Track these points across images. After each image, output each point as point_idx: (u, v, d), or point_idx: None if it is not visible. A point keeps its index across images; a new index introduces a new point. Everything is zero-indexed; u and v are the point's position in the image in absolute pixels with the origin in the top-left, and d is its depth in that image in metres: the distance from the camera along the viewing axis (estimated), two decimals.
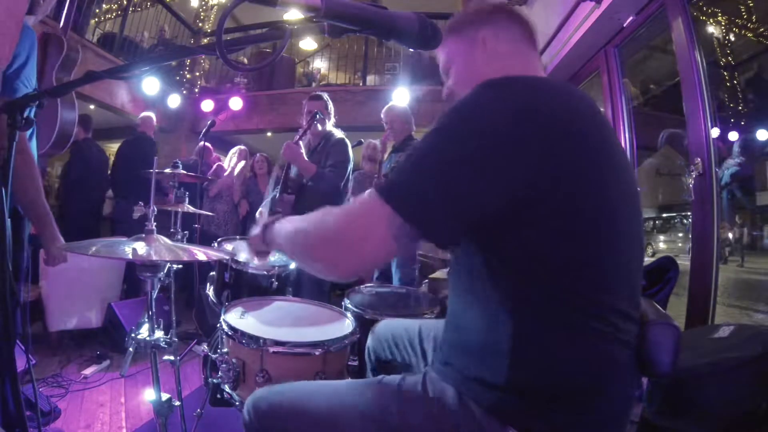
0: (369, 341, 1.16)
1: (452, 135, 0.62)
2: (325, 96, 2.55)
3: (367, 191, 0.65)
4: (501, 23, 0.83)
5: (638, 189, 0.75)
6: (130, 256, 0.96)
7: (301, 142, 2.36)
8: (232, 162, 4.06)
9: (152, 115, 4.04)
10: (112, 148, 4.85)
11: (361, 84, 6.48)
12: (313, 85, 7.48)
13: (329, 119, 2.53)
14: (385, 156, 3.00)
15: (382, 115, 2.81)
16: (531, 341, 0.63)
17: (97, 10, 5.64)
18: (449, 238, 0.66)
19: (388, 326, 1.14)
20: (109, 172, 4.02)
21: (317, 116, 2.35)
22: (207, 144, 3.37)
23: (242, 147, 4.19)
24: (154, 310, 1.16)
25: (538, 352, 0.63)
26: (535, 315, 0.63)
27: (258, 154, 4.32)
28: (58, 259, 1.43)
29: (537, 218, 0.61)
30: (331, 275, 0.67)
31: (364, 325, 1.30)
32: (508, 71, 0.72)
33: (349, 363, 1.25)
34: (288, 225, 0.79)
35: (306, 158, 2.36)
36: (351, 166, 2.47)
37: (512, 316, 0.63)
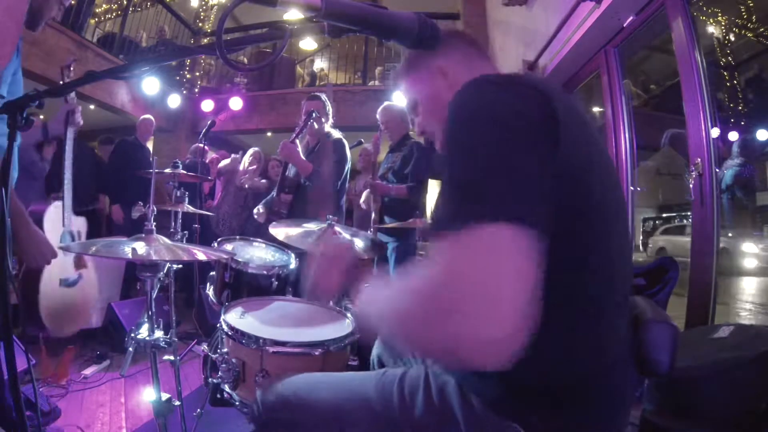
0: (375, 348, 1.15)
1: (483, 137, 0.54)
2: (324, 96, 2.55)
3: (446, 237, 0.49)
4: (450, 48, 0.85)
5: (621, 182, 0.75)
6: (130, 256, 0.96)
7: (297, 141, 2.37)
8: (245, 164, 4.03)
9: (151, 118, 4.01)
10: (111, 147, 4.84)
11: (361, 84, 6.48)
12: (318, 84, 7.47)
13: (327, 120, 2.53)
14: (381, 157, 3.01)
15: (377, 116, 2.81)
16: (533, 337, 0.63)
17: (97, 10, 5.64)
18: (551, 221, 0.52)
19: None
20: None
21: (313, 115, 2.36)
22: (200, 145, 3.36)
23: (256, 149, 4.14)
24: (153, 310, 1.16)
25: (536, 346, 0.63)
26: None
27: (272, 159, 4.30)
28: (38, 259, 1.34)
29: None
30: (478, 356, 0.46)
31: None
32: None
33: (349, 363, 1.24)
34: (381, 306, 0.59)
35: (303, 157, 2.37)
36: (348, 166, 2.47)
37: None
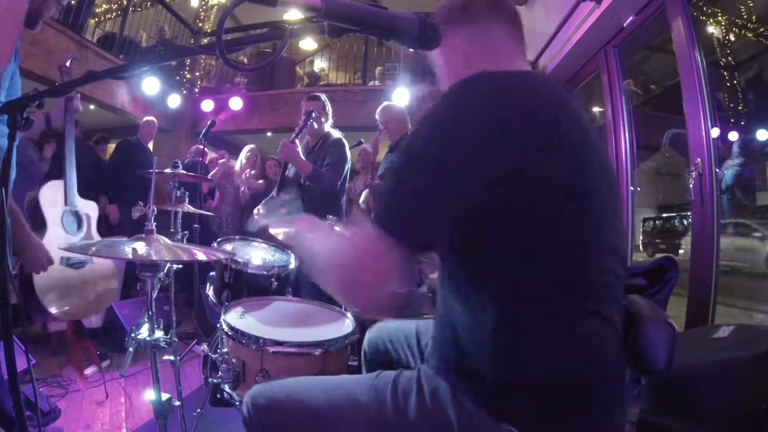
0: (365, 342, 1.16)
1: (427, 143, 0.65)
2: (323, 96, 2.55)
3: (365, 225, 0.67)
4: (476, 20, 0.81)
5: (615, 184, 0.76)
6: (130, 256, 0.96)
7: (297, 141, 2.37)
8: (242, 162, 4.02)
9: (154, 120, 4.00)
10: (112, 147, 4.85)
11: (361, 84, 6.48)
12: (319, 83, 7.48)
13: (327, 120, 2.53)
14: (380, 156, 3.01)
15: (376, 115, 2.81)
16: (521, 337, 0.64)
17: (97, 10, 5.64)
18: (430, 244, 0.70)
19: (384, 327, 1.14)
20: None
21: (313, 115, 2.36)
22: (200, 146, 3.36)
23: (252, 146, 4.11)
24: (154, 310, 1.16)
25: (529, 348, 0.64)
26: (524, 311, 0.64)
27: (270, 159, 4.29)
28: (32, 265, 1.31)
29: (520, 213, 0.62)
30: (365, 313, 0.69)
31: (364, 325, 1.30)
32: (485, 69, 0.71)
33: (349, 363, 1.25)
34: (314, 245, 0.80)
35: (303, 157, 2.37)
36: (348, 166, 2.47)
37: (501, 312, 0.64)
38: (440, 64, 0.87)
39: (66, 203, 1.74)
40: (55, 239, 1.67)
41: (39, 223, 1.65)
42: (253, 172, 3.98)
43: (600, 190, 0.67)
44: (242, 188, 3.87)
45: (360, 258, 0.67)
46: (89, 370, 2.31)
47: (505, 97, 0.64)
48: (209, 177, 3.93)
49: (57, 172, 2.85)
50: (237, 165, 4.05)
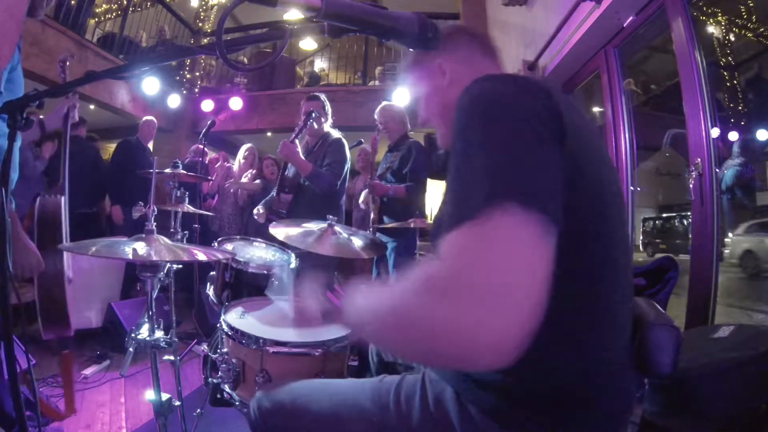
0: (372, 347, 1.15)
1: (494, 126, 0.53)
2: (323, 96, 2.55)
3: (457, 226, 0.46)
4: (454, 45, 0.84)
5: (621, 186, 0.75)
6: (130, 256, 0.96)
7: (297, 141, 2.37)
8: (240, 162, 4.02)
9: (154, 120, 4.01)
10: (112, 147, 4.85)
11: (361, 84, 6.48)
12: (321, 83, 7.48)
13: (327, 120, 2.53)
14: (379, 156, 3.01)
15: (375, 116, 2.81)
16: (529, 344, 0.63)
17: (97, 10, 5.64)
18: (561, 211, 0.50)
19: None
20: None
21: (313, 115, 2.36)
22: (200, 146, 3.37)
23: (250, 145, 4.12)
24: (154, 310, 1.16)
25: (535, 354, 0.63)
26: None
27: (267, 158, 4.30)
28: (25, 270, 1.26)
29: None
30: (493, 355, 0.41)
31: None
32: None
33: (350, 363, 1.24)
34: (373, 304, 0.56)
35: (302, 157, 2.37)
36: (348, 166, 2.47)
37: None
38: (420, 88, 0.88)
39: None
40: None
41: (53, 235, 1.60)
42: (253, 171, 3.99)
43: (609, 194, 0.66)
44: (237, 190, 3.90)
45: (467, 245, 0.44)
46: (89, 370, 2.31)
47: (526, 91, 0.60)
48: (211, 180, 3.96)
49: (54, 172, 2.83)
50: (235, 165, 4.07)
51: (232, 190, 3.89)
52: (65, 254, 1.55)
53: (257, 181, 3.95)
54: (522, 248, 0.43)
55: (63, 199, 1.67)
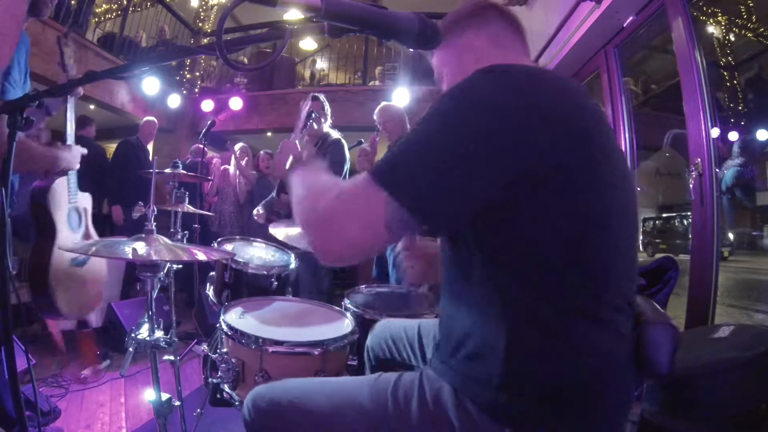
0: (368, 340, 1.16)
1: (450, 126, 0.61)
2: (322, 97, 2.55)
3: (361, 174, 0.64)
4: (486, 22, 0.84)
5: (634, 186, 0.75)
6: (130, 256, 0.96)
7: (297, 141, 2.37)
8: (235, 156, 4.08)
9: (154, 120, 4.01)
10: (112, 148, 4.85)
11: (361, 84, 6.48)
12: (321, 84, 7.48)
13: (326, 120, 2.53)
14: (380, 156, 3.00)
15: (375, 116, 2.81)
16: (526, 341, 0.63)
17: (97, 10, 5.64)
18: (445, 226, 0.67)
19: (387, 326, 1.14)
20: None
21: (313, 116, 2.36)
22: (200, 146, 3.38)
23: (242, 144, 4.20)
24: (154, 310, 1.16)
25: (533, 351, 0.63)
26: (529, 314, 0.63)
27: (262, 152, 4.33)
28: (53, 170, 1.28)
29: (532, 214, 0.61)
30: (319, 256, 0.66)
31: (364, 325, 1.30)
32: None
33: (349, 363, 1.25)
34: (303, 183, 0.83)
35: None
36: (347, 166, 2.47)
37: (506, 315, 0.63)
38: (446, 63, 0.88)
39: (69, 200, 1.72)
40: (64, 240, 1.66)
41: (46, 222, 1.63)
42: (246, 159, 4.09)
43: (618, 190, 0.66)
44: (238, 180, 3.97)
45: (349, 194, 0.64)
46: (89, 371, 2.31)
47: (535, 86, 0.63)
48: (211, 180, 4.00)
49: None
50: (231, 168, 4.10)
51: (239, 180, 3.96)
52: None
53: (253, 172, 4.06)
54: (368, 212, 0.61)
55: (65, 180, 1.65)
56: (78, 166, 1.51)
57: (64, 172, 1.46)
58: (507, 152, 0.59)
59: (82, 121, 3.67)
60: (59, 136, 1.60)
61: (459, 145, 0.59)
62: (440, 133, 0.61)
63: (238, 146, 4.15)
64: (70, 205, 1.69)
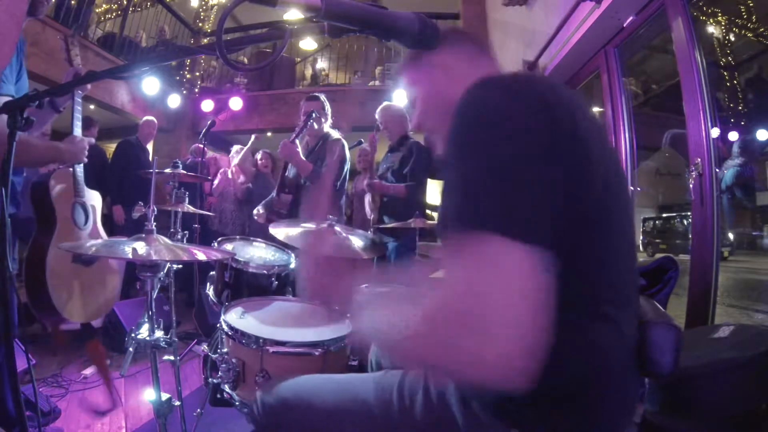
0: (371, 352, 1.15)
1: (491, 144, 0.54)
2: (322, 97, 2.56)
3: (462, 241, 0.49)
4: (451, 44, 0.84)
5: (628, 184, 0.75)
6: (130, 256, 0.96)
7: (297, 141, 2.38)
8: (234, 161, 4.10)
9: (154, 120, 4.02)
10: (112, 148, 4.86)
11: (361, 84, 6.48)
12: (320, 84, 7.48)
13: (326, 120, 2.53)
14: (379, 156, 3.01)
15: (376, 116, 2.82)
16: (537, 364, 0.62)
17: (97, 10, 5.64)
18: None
19: None
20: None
21: (313, 116, 2.37)
22: (200, 146, 3.38)
23: (238, 146, 4.27)
24: (154, 310, 1.16)
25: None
26: None
27: (261, 151, 4.35)
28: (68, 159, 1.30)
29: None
30: (499, 380, 0.45)
31: None
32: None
33: (349, 363, 1.24)
34: (385, 316, 0.59)
35: (303, 157, 2.37)
36: (347, 166, 2.48)
37: None
38: (416, 81, 0.88)
39: (75, 195, 1.68)
40: (67, 236, 1.62)
41: (47, 217, 1.59)
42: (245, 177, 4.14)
43: (617, 191, 0.66)
44: (239, 179, 4.02)
45: (474, 269, 0.47)
46: (89, 371, 2.31)
47: (521, 100, 0.59)
48: (211, 179, 4.02)
49: None
50: (229, 172, 4.12)
51: (239, 179, 4.02)
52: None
53: (252, 168, 4.14)
54: (518, 282, 0.46)
55: (70, 172, 1.62)
56: (85, 159, 1.51)
57: (69, 165, 1.46)
58: (542, 138, 0.55)
59: (85, 123, 3.67)
60: (61, 136, 1.60)
61: (517, 159, 0.53)
62: (483, 148, 0.54)
63: (234, 149, 4.22)
64: (76, 200, 1.66)
